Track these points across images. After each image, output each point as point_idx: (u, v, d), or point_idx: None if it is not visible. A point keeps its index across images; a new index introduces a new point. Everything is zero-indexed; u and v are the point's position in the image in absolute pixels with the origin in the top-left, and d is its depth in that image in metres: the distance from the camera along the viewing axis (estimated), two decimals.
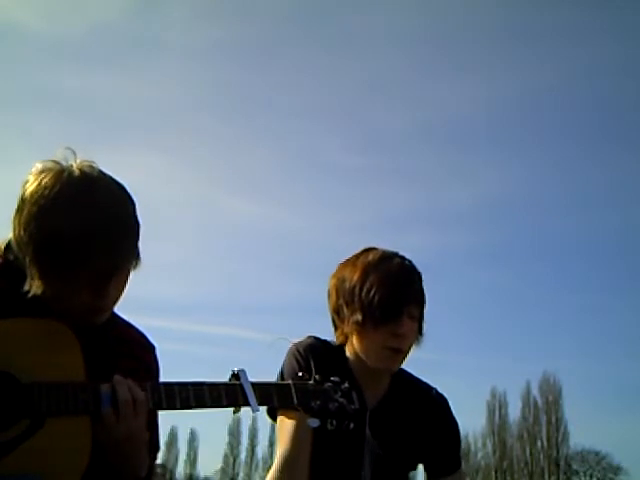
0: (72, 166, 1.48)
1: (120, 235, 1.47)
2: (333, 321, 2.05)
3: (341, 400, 1.64)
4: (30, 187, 1.46)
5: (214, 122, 64.36)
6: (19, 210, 1.46)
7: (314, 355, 1.99)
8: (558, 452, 51.21)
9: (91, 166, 1.50)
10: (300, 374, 1.68)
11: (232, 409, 1.57)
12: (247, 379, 1.57)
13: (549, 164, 67.06)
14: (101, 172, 1.51)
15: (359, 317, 1.93)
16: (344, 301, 1.98)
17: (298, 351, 2.00)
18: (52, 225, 1.41)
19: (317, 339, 2.06)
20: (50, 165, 1.49)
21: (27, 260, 1.44)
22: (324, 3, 66.01)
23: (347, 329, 1.99)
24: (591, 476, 51.05)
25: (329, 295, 2.05)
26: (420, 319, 2.00)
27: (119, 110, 67.65)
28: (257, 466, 53.61)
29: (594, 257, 66.42)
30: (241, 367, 1.58)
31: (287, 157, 68.76)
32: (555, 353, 63.95)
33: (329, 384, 1.66)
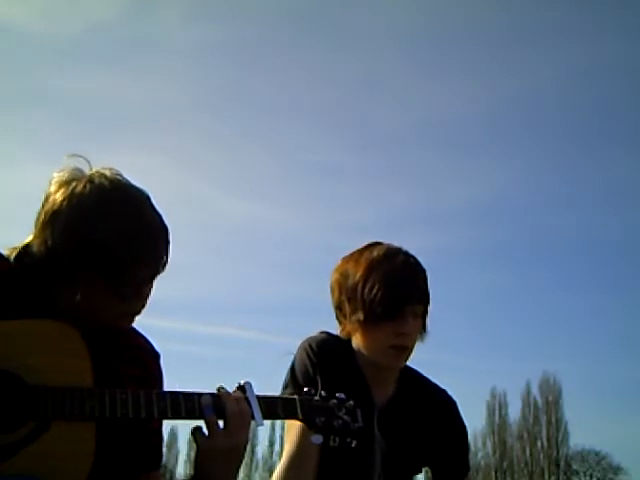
0: (96, 173, 1.47)
1: (161, 239, 1.48)
2: (336, 316, 2.05)
3: (345, 418, 1.63)
4: (60, 196, 1.43)
5: (213, 122, 64.36)
6: (51, 221, 1.42)
7: (325, 351, 1.99)
8: (558, 452, 51.07)
9: (115, 172, 1.49)
10: (306, 389, 1.67)
11: None
12: (253, 392, 1.55)
13: (548, 164, 67.08)
14: (125, 179, 1.50)
15: (361, 315, 1.93)
16: (346, 297, 1.98)
17: (310, 346, 2.00)
18: (96, 232, 1.40)
19: (329, 334, 2.06)
20: (75, 174, 1.47)
21: (64, 269, 1.42)
22: (323, 2, 66.01)
23: (349, 326, 1.99)
24: (591, 476, 50.97)
25: (332, 290, 2.04)
26: (424, 316, 2.00)
27: (118, 110, 67.57)
28: (257, 466, 53.30)
29: (594, 257, 66.36)
30: (247, 379, 1.56)
31: (287, 157, 68.77)
32: (555, 353, 63.71)
33: (334, 401, 1.65)
